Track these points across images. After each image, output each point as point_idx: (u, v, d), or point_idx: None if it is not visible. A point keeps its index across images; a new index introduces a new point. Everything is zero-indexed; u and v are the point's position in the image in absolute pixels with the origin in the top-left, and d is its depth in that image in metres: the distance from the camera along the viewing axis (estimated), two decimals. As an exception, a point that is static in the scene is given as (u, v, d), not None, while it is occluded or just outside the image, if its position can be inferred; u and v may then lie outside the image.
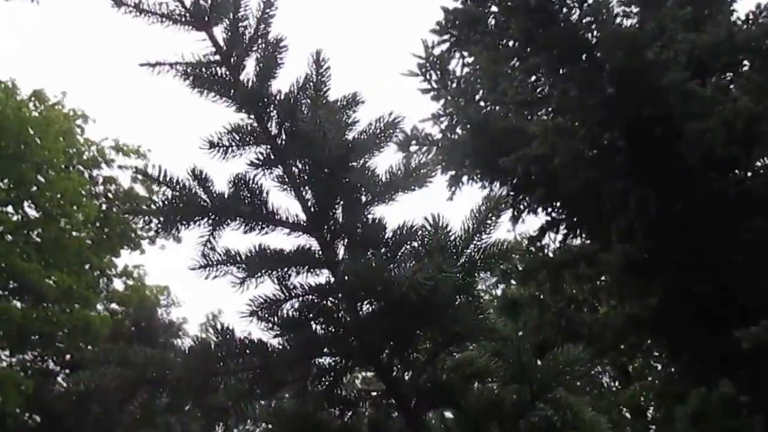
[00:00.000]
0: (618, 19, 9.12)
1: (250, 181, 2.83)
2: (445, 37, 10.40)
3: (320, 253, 2.80)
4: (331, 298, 2.80)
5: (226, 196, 2.80)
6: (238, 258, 2.78)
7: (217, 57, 2.83)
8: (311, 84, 2.81)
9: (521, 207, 10.33)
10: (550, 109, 9.65)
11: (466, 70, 10.64)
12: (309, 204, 2.82)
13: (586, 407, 2.90)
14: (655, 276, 8.79)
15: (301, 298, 2.78)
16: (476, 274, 2.74)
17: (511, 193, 10.19)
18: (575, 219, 10.22)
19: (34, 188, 16.72)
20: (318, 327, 2.80)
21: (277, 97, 2.82)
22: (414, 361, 2.88)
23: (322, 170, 2.80)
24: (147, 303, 19.70)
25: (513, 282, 11.41)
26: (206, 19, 2.83)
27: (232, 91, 2.83)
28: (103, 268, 18.73)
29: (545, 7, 8.70)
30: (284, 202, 2.83)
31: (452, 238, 2.64)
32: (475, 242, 2.67)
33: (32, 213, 17.18)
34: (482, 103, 10.35)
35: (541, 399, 2.83)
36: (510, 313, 3.46)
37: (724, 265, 8.29)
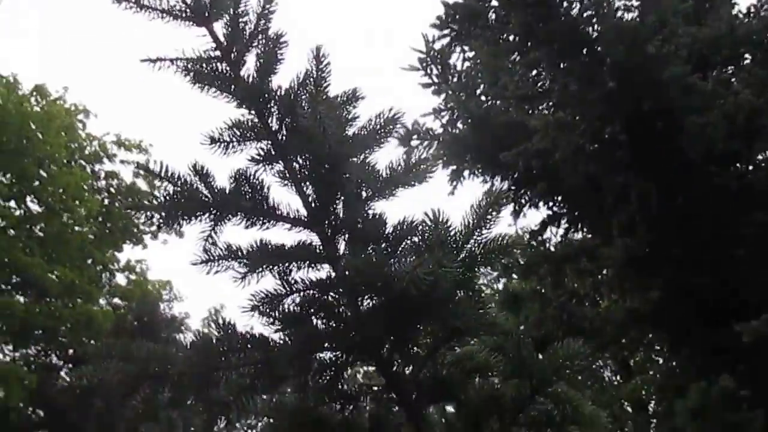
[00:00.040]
0: (619, 13, 9.10)
1: (251, 177, 2.84)
2: (446, 31, 10.39)
3: (321, 248, 2.81)
4: (331, 293, 2.82)
5: (227, 191, 2.81)
6: (240, 253, 2.79)
7: (218, 53, 2.84)
8: (311, 80, 2.82)
9: (522, 201, 10.34)
10: (551, 103, 9.64)
11: (466, 64, 10.65)
12: (310, 199, 2.83)
13: (586, 401, 2.91)
14: (656, 270, 8.79)
15: (302, 293, 2.79)
16: (477, 269, 2.74)
17: (513, 188, 10.19)
18: (576, 213, 10.23)
19: (37, 183, 16.73)
20: (319, 322, 2.82)
21: (278, 93, 2.83)
22: (414, 356, 2.89)
23: (322, 166, 2.81)
24: (149, 298, 19.75)
25: (514, 276, 11.41)
26: (207, 14, 2.83)
27: (233, 86, 2.84)
28: (105, 263, 18.76)
29: (545, 1, 8.68)
30: (285, 197, 2.85)
31: (452, 233, 2.65)
32: (475, 237, 2.67)
33: (35, 208, 17.21)
34: (483, 98, 10.34)
35: (541, 393, 2.85)
36: (511, 307, 3.46)
37: (725, 259, 8.29)
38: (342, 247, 2.83)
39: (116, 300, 19.55)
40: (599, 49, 8.58)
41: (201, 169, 2.78)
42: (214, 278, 2.82)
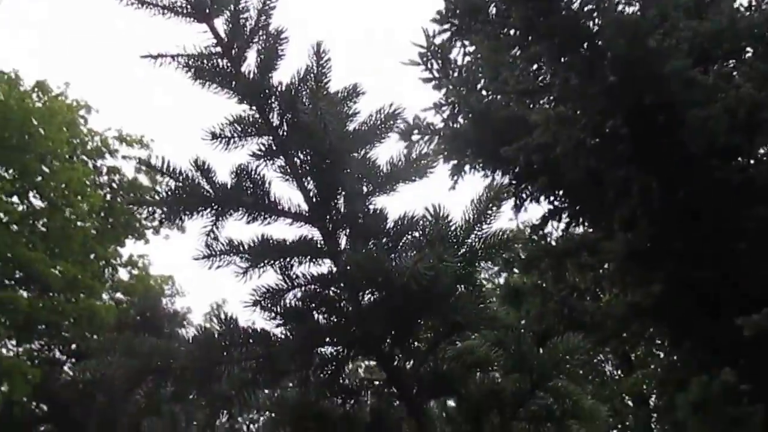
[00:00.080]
0: (619, 7, 9.09)
1: (253, 172, 2.85)
2: (446, 26, 10.38)
3: (322, 243, 2.83)
4: (333, 288, 2.83)
5: (228, 186, 2.83)
6: (242, 248, 2.80)
7: (219, 49, 2.85)
8: (312, 75, 2.83)
9: (523, 196, 10.34)
10: (551, 97, 9.63)
11: (467, 59, 10.63)
12: (311, 194, 2.85)
13: (586, 396, 2.93)
14: (658, 264, 8.79)
15: (303, 288, 2.80)
16: (477, 264, 2.76)
17: (513, 182, 10.19)
18: (577, 207, 10.23)
19: (39, 178, 16.76)
20: (320, 316, 2.83)
21: (279, 89, 2.84)
22: (415, 351, 2.90)
23: (323, 161, 2.82)
24: (152, 293, 19.79)
25: (515, 271, 11.43)
26: (207, 11, 2.84)
27: (234, 82, 2.85)
28: (108, 258, 18.81)
29: (546, -5, 8.66)
30: (286, 192, 2.86)
31: (453, 228, 2.66)
32: (476, 232, 2.68)
33: (37, 203, 17.25)
34: (484, 92, 10.33)
35: (542, 388, 2.86)
36: (513, 301, 3.47)
37: (727, 253, 8.28)
38: (343, 242, 2.85)
39: (119, 295, 19.60)
40: (600, 43, 8.57)
41: (202, 164, 2.79)
42: (215, 273, 2.84)
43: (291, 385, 2.95)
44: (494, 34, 9.98)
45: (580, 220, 10.36)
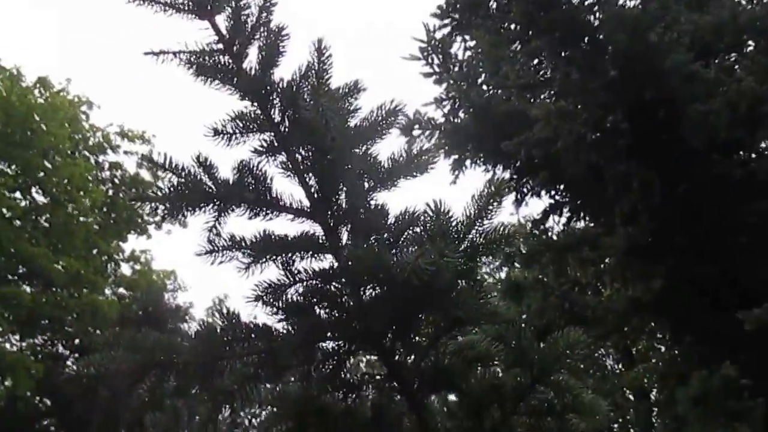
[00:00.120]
0: (620, 1, 9.07)
1: (255, 168, 2.87)
2: (447, 21, 10.36)
3: (324, 238, 2.84)
4: (334, 283, 2.85)
5: (230, 182, 2.84)
6: (244, 244, 2.82)
7: (220, 45, 2.86)
8: (313, 72, 2.84)
9: (524, 190, 10.34)
10: (552, 92, 9.62)
11: (468, 53, 10.61)
12: (312, 190, 2.86)
13: (587, 390, 2.94)
14: (659, 259, 8.80)
15: (305, 283, 2.82)
16: (478, 259, 2.77)
17: (514, 177, 10.19)
18: (578, 202, 10.23)
19: (41, 174, 16.80)
20: (322, 312, 2.85)
21: (280, 85, 2.85)
22: (416, 345, 2.92)
23: (325, 157, 2.83)
24: (154, 287, 19.85)
25: (516, 265, 11.44)
26: (209, 7, 2.85)
27: (235, 79, 2.86)
28: (110, 253, 18.86)
29: (546, -11, 8.64)
30: (288, 188, 2.88)
31: (454, 223, 2.67)
32: (477, 227, 2.70)
33: (40, 199, 17.31)
34: (484, 87, 10.31)
35: (542, 382, 2.87)
36: (513, 296, 3.47)
37: (728, 248, 8.29)
38: (344, 237, 2.86)
39: (121, 290, 19.68)
40: (601, 37, 8.55)
41: (205, 160, 2.81)
42: (217, 268, 2.86)
43: (293, 379, 2.97)
44: (495, 28, 9.96)
45: (581, 214, 10.36)
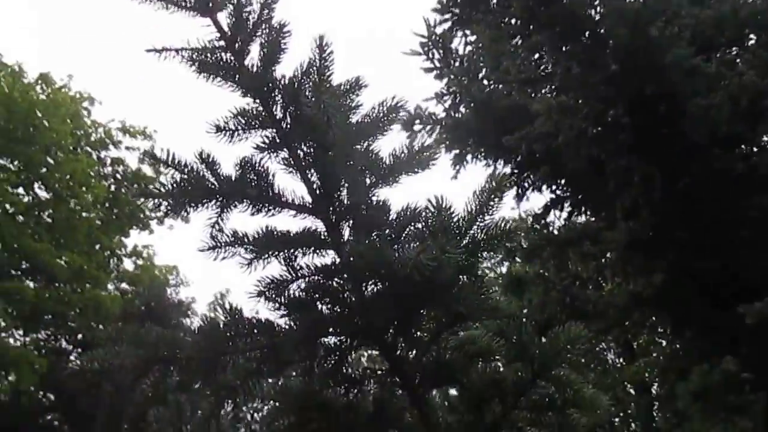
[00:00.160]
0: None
1: (257, 165, 2.87)
2: (447, 15, 10.34)
3: (326, 234, 2.85)
4: (336, 279, 2.86)
5: (233, 178, 2.85)
6: (246, 239, 2.83)
7: (222, 42, 2.87)
8: (315, 68, 2.85)
9: (525, 185, 10.35)
10: (553, 87, 9.61)
11: (468, 48, 10.59)
12: (314, 186, 2.87)
13: (588, 385, 2.95)
14: (660, 253, 8.80)
15: (307, 279, 2.83)
16: (479, 255, 2.78)
17: (515, 172, 10.19)
18: (579, 197, 10.23)
19: (44, 170, 16.83)
20: (324, 307, 2.86)
21: (282, 82, 2.86)
22: (418, 340, 2.93)
23: (326, 153, 2.84)
24: (156, 283, 19.90)
25: (518, 260, 11.45)
26: (210, 4, 2.86)
27: (237, 76, 2.87)
28: (113, 249, 18.90)
29: (546, -16, 8.62)
30: (290, 184, 2.89)
31: (455, 219, 2.68)
32: (478, 223, 2.71)
33: (42, 194, 17.34)
34: (485, 82, 10.30)
35: (543, 377, 2.87)
36: (515, 290, 3.48)
37: (729, 242, 8.29)
38: (346, 233, 2.87)
39: (124, 285, 19.72)
40: (602, 31, 8.54)
41: (207, 157, 2.82)
42: (219, 264, 2.87)
43: (295, 374, 2.98)
44: (495, 23, 9.94)
45: (582, 209, 10.37)
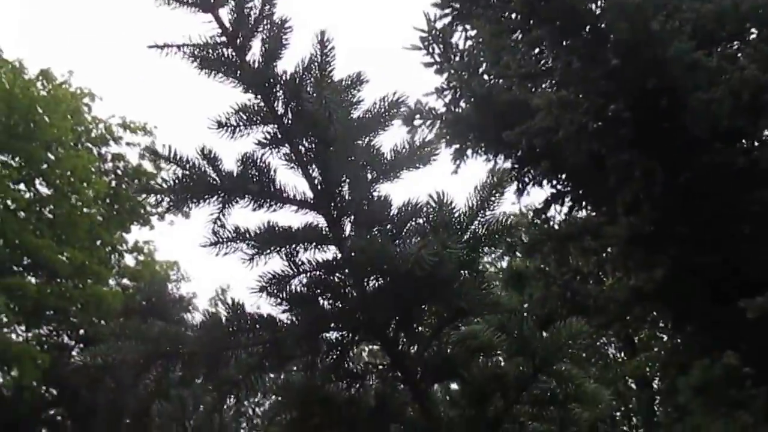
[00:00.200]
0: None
1: (258, 160, 2.88)
2: (447, 10, 10.33)
3: (327, 229, 2.86)
4: (338, 274, 2.87)
5: (234, 174, 2.86)
6: (248, 235, 2.84)
7: (224, 38, 2.87)
8: (316, 64, 2.85)
9: (526, 180, 10.34)
10: (553, 81, 9.59)
11: (468, 43, 10.58)
12: (316, 182, 2.88)
13: (589, 380, 2.96)
14: (661, 248, 8.80)
15: (308, 274, 2.84)
16: (480, 250, 2.79)
17: (516, 166, 10.19)
18: (580, 191, 10.22)
19: (45, 166, 16.85)
20: (325, 302, 2.87)
21: (283, 78, 2.86)
22: (419, 335, 2.94)
23: (328, 149, 2.85)
24: (157, 278, 19.93)
25: (518, 255, 11.45)
26: (212, 0, 2.86)
27: (239, 71, 2.87)
28: (114, 244, 18.94)
29: (547, -22, 8.60)
30: (292, 180, 2.89)
31: (457, 214, 2.69)
32: (479, 218, 2.72)
33: (44, 190, 17.37)
34: (486, 77, 10.29)
35: (544, 372, 2.89)
36: (515, 285, 3.49)
37: (730, 237, 8.29)
38: (348, 228, 2.88)
39: (125, 281, 19.76)
40: (602, 26, 8.52)
41: (209, 152, 2.83)
42: (218, 259, 2.88)
43: (297, 369, 3.00)
44: (495, 18, 9.92)
45: (583, 204, 10.36)
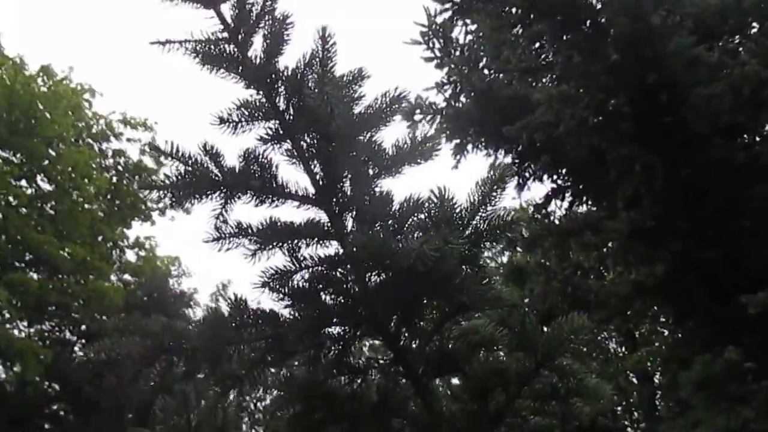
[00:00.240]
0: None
1: (260, 156, 2.89)
2: (448, 5, 10.30)
3: (329, 225, 2.87)
4: (340, 270, 2.88)
5: (237, 170, 2.87)
6: (250, 231, 2.85)
7: (225, 34, 2.87)
8: (317, 60, 2.85)
9: (526, 174, 10.33)
10: (554, 76, 9.58)
11: (469, 37, 10.56)
12: (318, 177, 2.88)
13: (591, 374, 2.97)
14: (661, 243, 8.80)
15: (310, 270, 2.85)
16: (482, 245, 2.80)
17: (516, 161, 10.17)
18: (581, 186, 10.21)
19: (46, 162, 16.87)
20: (327, 297, 2.88)
21: (285, 74, 2.86)
22: (421, 330, 2.95)
23: (329, 144, 2.86)
24: (159, 274, 19.96)
25: (519, 249, 11.46)
26: (214, -4, 2.86)
27: (240, 67, 2.87)
28: (115, 240, 18.96)
29: (547, -27, 8.58)
30: (293, 175, 2.90)
31: (458, 209, 2.70)
32: (480, 213, 2.72)
33: (45, 186, 17.39)
34: (486, 71, 10.27)
35: (546, 366, 2.90)
36: (516, 280, 3.50)
37: (731, 232, 8.29)
38: (349, 224, 2.89)
39: (126, 276, 19.79)
40: (603, 20, 8.50)
41: (211, 148, 2.83)
42: (220, 254, 2.89)
43: (299, 364, 3.01)
44: (496, 12, 9.89)
45: (584, 198, 10.36)
